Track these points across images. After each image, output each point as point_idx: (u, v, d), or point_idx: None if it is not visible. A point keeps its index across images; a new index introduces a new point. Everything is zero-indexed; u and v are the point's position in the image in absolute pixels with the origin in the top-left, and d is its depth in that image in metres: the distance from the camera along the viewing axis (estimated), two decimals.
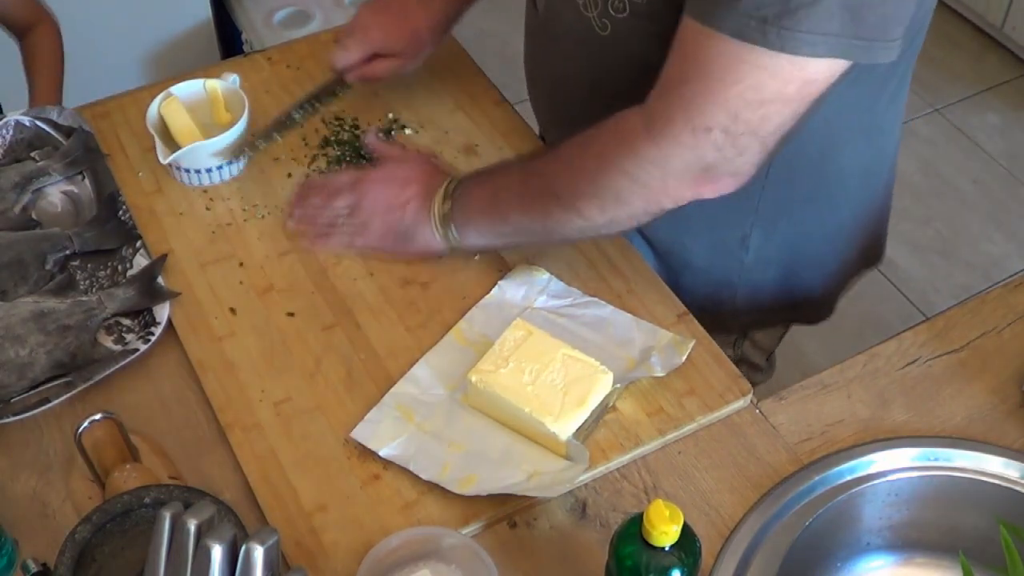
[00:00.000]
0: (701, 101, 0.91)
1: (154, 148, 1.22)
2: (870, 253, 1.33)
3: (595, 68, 1.13)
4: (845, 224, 1.23)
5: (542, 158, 1.07)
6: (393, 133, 1.31)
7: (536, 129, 1.35)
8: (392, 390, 1.04)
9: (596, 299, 1.12)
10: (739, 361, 1.34)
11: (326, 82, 1.31)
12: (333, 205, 1.14)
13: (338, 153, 1.28)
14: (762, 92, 0.89)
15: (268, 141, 1.26)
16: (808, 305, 1.30)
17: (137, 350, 1.07)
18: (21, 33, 1.74)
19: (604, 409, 1.02)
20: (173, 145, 1.23)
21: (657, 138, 0.95)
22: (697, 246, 1.20)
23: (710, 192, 0.97)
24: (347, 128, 1.31)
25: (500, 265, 1.16)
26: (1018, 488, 0.98)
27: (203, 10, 2.43)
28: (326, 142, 1.30)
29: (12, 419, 1.01)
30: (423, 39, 1.28)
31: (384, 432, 1.00)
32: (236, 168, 1.26)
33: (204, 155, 1.22)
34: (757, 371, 1.40)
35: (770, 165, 0.98)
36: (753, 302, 1.26)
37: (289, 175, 1.26)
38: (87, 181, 1.25)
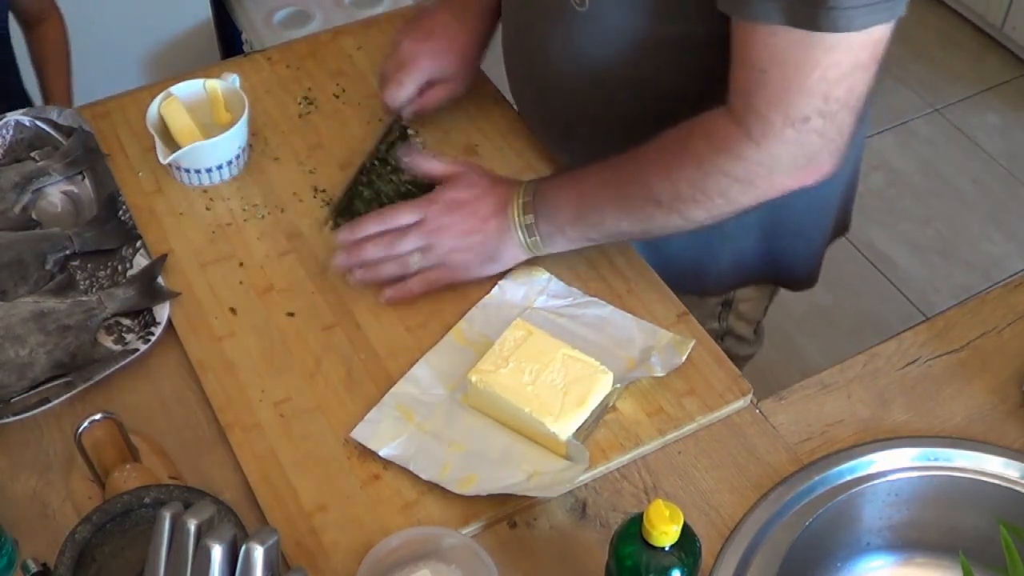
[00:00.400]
0: (790, 94, 0.93)
1: (154, 148, 1.22)
2: (841, 223, 1.38)
3: (573, 45, 1.14)
4: (822, 194, 1.25)
5: (630, 163, 1.05)
6: (410, 134, 1.30)
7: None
8: (392, 390, 1.04)
9: (596, 299, 1.12)
10: (726, 334, 1.37)
11: (386, 130, 1.27)
12: (399, 250, 1.09)
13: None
14: (841, 67, 0.92)
15: (350, 215, 1.19)
16: (790, 272, 1.33)
17: (137, 350, 1.07)
18: (31, 24, 1.74)
19: (604, 409, 1.02)
20: (173, 145, 1.23)
21: (760, 140, 0.96)
22: None
23: (814, 177, 1.00)
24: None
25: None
26: (1018, 488, 0.98)
27: (203, 10, 2.43)
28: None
29: (12, 419, 1.01)
30: (472, 58, 1.27)
31: (384, 432, 1.00)
32: (236, 168, 1.26)
33: (204, 155, 1.22)
34: (744, 343, 1.42)
35: None
36: (736, 266, 1.29)
37: (288, 179, 1.27)
38: (87, 181, 1.25)
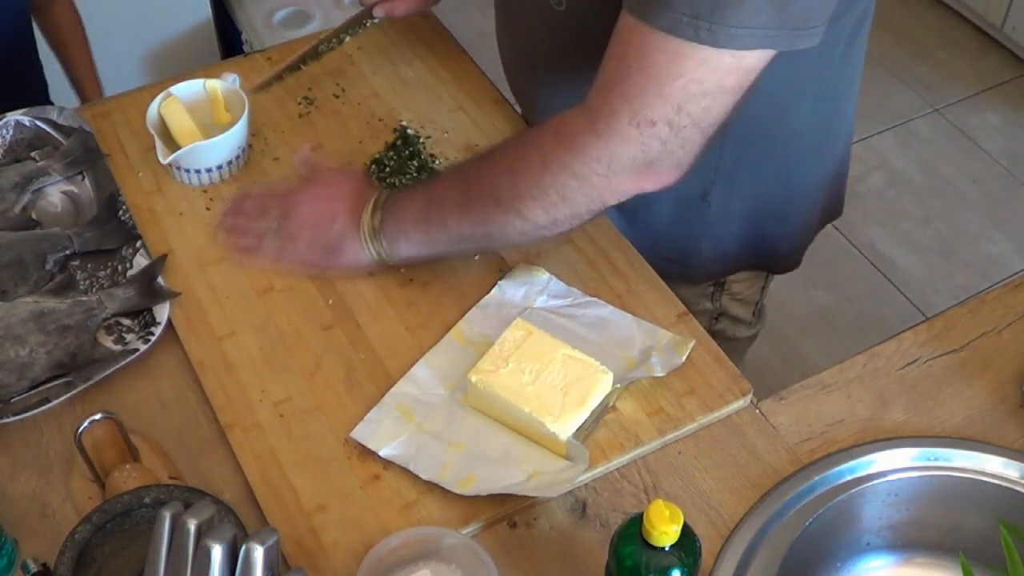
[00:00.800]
0: (645, 95, 0.92)
1: (154, 148, 1.22)
2: (831, 208, 1.37)
3: (553, 43, 1.16)
4: (806, 181, 1.27)
5: (477, 164, 1.07)
6: (409, 131, 1.30)
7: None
8: (392, 390, 1.04)
9: (596, 299, 1.12)
10: (720, 314, 1.37)
11: (354, 16, 1.36)
12: (262, 218, 1.15)
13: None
14: (704, 84, 0.90)
15: (294, 72, 1.32)
16: (774, 256, 1.33)
17: (137, 350, 1.07)
18: (40, 9, 1.73)
19: (604, 409, 1.02)
20: (173, 145, 1.23)
21: (603, 134, 0.95)
22: (661, 203, 1.20)
23: (652, 185, 0.98)
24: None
25: (500, 265, 1.16)
26: (1018, 488, 0.98)
27: (203, 10, 2.43)
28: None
29: (12, 419, 1.01)
30: None
31: (384, 432, 1.00)
32: (236, 168, 1.26)
33: (204, 155, 1.22)
34: (742, 324, 1.42)
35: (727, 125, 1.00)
36: (719, 253, 1.29)
37: (288, 179, 1.26)
38: (87, 181, 1.25)
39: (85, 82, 1.78)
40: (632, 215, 1.23)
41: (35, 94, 1.72)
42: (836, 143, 1.29)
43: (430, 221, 1.07)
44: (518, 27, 1.23)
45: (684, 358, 1.06)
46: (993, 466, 1.00)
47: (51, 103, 1.74)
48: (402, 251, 1.10)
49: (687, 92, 0.91)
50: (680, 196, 1.19)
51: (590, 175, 0.98)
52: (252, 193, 1.20)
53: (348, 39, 1.34)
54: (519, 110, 1.36)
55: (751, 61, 0.90)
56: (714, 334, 1.38)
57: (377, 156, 1.27)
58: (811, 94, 1.16)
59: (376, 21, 1.35)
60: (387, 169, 1.26)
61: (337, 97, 1.36)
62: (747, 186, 1.21)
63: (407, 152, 1.27)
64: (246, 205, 1.18)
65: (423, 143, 1.29)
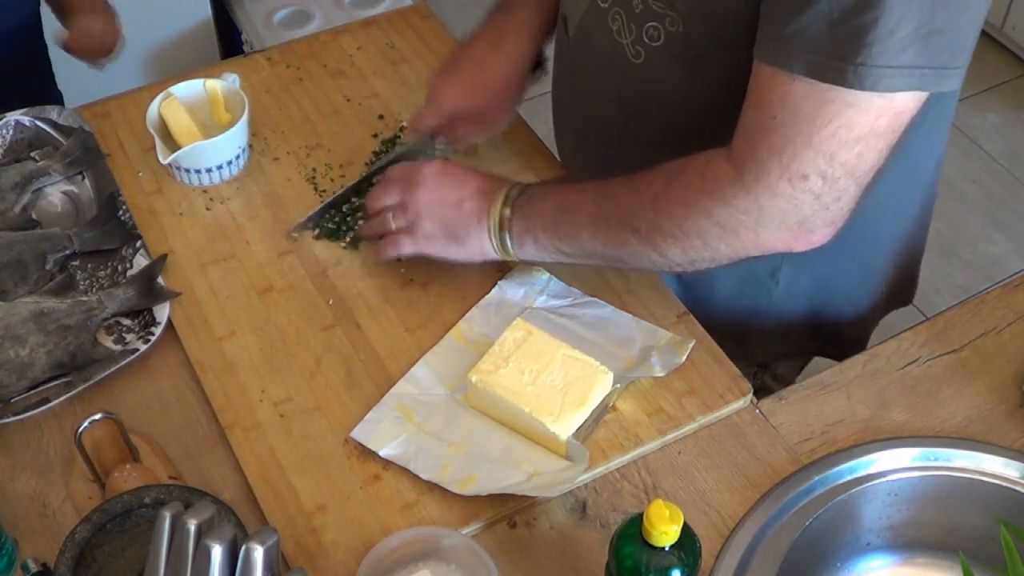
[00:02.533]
0: (794, 146, 0.89)
1: (154, 148, 1.22)
2: (902, 292, 1.31)
3: (628, 96, 1.11)
4: (877, 261, 1.21)
5: (620, 186, 1.01)
6: (400, 138, 1.30)
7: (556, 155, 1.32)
8: (392, 390, 1.04)
9: (596, 299, 1.12)
10: (758, 390, 1.33)
11: (409, 146, 1.24)
12: (379, 204, 1.10)
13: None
14: (855, 130, 0.87)
15: (326, 224, 1.20)
16: (837, 339, 1.27)
17: (137, 350, 1.06)
18: (68, 16, 1.69)
19: (604, 409, 1.02)
20: (173, 145, 1.23)
21: (751, 187, 0.92)
22: (726, 277, 1.16)
23: (803, 245, 0.95)
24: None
25: (500, 265, 1.16)
26: (1018, 488, 0.99)
27: (203, 10, 2.43)
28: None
29: (12, 419, 1.01)
30: (501, 90, 1.20)
31: (384, 432, 1.00)
32: (236, 168, 1.26)
33: (204, 155, 1.22)
34: (776, 399, 1.38)
35: None
36: (781, 333, 1.24)
37: (288, 179, 1.27)
38: (87, 181, 1.25)
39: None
40: (693, 285, 1.18)
41: (44, 95, 1.72)
42: (913, 221, 1.23)
43: (562, 229, 1.03)
44: (583, 81, 1.16)
45: (684, 358, 1.06)
46: (993, 466, 1.00)
47: (61, 104, 1.74)
48: (528, 251, 1.05)
49: (838, 140, 0.87)
50: (747, 271, 1.16)
51: (737, 227, 0.94)
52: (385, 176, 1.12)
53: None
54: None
55: (901, 102, 0.87)
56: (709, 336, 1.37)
57: (377, 150, 1.27)
58: (895, 167, 1.10)
59: (441, 148, 1.22)
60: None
61: (337, 98, 1.36)
62: (818, 263, 1.13)
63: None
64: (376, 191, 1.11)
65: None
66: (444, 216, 1.06)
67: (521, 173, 1.23)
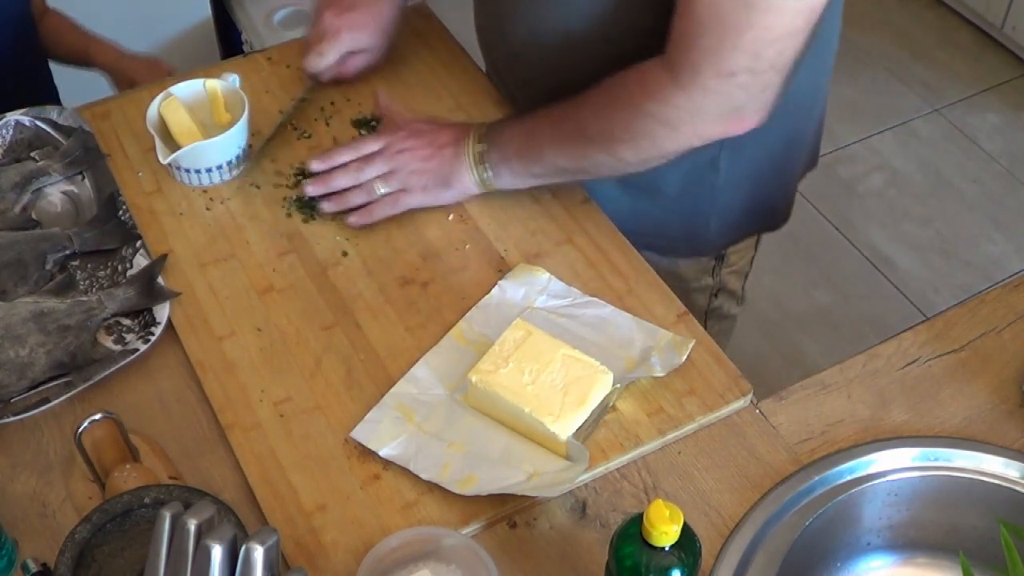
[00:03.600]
0: (722, 49, 0.99)
1: (154, 148, 1.22)
2: (812, 159, 1.41)
3: (539, 19, 1.18)
4: (799, 133, 1.32)
5: (572, 104, 1.11)
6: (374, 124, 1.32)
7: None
8: (392, 390, 1.04)
9: (596, 299, 1.12)
10: (719, 290, 1.38)
11: (305, 90, 1.33)
12: (365, 176, 1.18)
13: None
14: (775, 30, 0.98)
15: (258, 157, 1.27)
16: (773, 215, 1.37)
17: (137, 350, 1.07)
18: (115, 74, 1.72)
19: (604, 409, 1.02)
20: (173, 145, 1.23)
21: (687, 87, 1.02)
22: (669, 175, 1.23)
23: (738, 129, 1.05)
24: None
25: (500, 265, 1.16)
26: (1018, 488, 0.99)
27: (203, 10, 2.43)
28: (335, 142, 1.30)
29: (12, 419, 1.01)
30: (389, 30, 1.33)
31: (384, 432, 1.00)
32: (236, 168, 1.26)
33: (204, 155, 1.22)
34: (735, 301, 1.44)
35: None
36: (726, 221, 1.32)
37: (288, 179, 1.27)
38: (87, 181, 1.25)
39: (95, 47, 1.73)
40: (639, 194, 1.26)
41: (44, 95, 1.72)
42: (820, 99, 1.33)
43: (530, 153, 1.14)
44: (497, 4, 1.24)
45: (684, 358, 1.06)
46: (993, 466, 1.00)
47: (60, 104, 1.74)
48: (505, 180, 1.16)
49: (760, 40, 0.98)
50: (689, 166, 1.21)
51: (677, 123, 1.05)
52: (338, 149, 1.21)
53: (301, 111, 1.32)
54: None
55: (813, 2, 0.97)
56: (712, 311, 1.40)
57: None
58: (813, 45, 1.18)
59: (319, 87, 1.34)
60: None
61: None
62: (753, 148, 1.23)
63: None
64: (338, 167, 1.19)
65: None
66: (429, 167, 1.17)
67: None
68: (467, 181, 1.17)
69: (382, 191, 1.18)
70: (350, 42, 1.30)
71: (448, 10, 1.42)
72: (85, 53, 1.71)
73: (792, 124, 1.26)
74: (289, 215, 1.21)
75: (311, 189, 1.19)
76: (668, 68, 1.03)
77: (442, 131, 1.19)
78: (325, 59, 1.29)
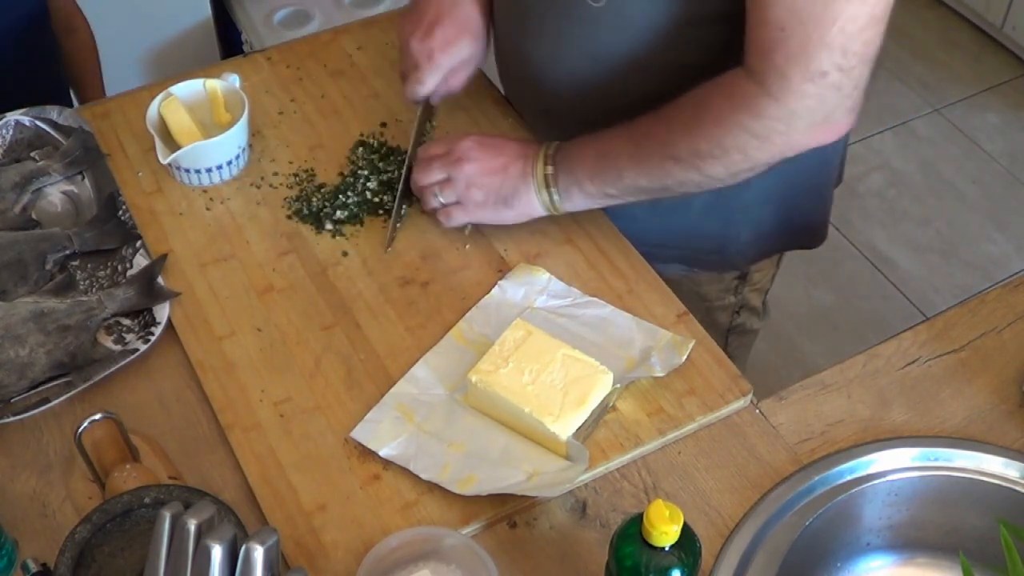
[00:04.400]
0: (809, 49, 0.96)
1: (154, 148, 1.22)
2: (839, 175, 1.39)
3: (593, 44, 1.13)
4: (828, 148, 1.27)
5: (650, 122, 1.08)
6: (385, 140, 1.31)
7: None
8: (392, 390, 1.04)
9: (596, 299, 1.12)
10: (741, 307, 1.37)
11: (419, 121, 1.26)
12: (424, 181, 1.15)
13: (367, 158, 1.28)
14: (859, 21, 0.95)
15: (401, 219, 1.20)
16: (808, 231, 1.35)
17: (137, 350, 1.07)
18: (59, 36, 1.73)
19: (604, 409, 1.02)
20: (173, 145, 1.23)
21: (779, 95, 0.99)
22: (698, 195, 1.20)
23: (832, 136, 1.03)
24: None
25: (500, 265, 1.16)
26: (1018, 488, 0.99)
27: (203, 10, 2.43)
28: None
29: (12, 419, 1.01)
30: (480, 33, 1.25)
31: (384, 432, 1.00)
32: (236, 168, 1.26)
33: (204, 155, 1.22)
34: (755, 316, 1.42)
35: None
36: (757, 235, 1.29)
37: (288, 179, 1.27)
38: (87, 181, 1.25)
39: (83, 92, 1.77)
40: (667, 210, 1.22)
41: (52, 92, 1.72)
42: None
43: (605, 175, 1.09)
44: (539, 35, 1.19)
45: (684, 358, 1.06)
46: (993, 466, 1.00)
47: (70, 101, 1.75)
48: (576, 202, 1.12)
49: (846, 33, 0.95)
50: None
51: (770, 134, 1.01)
52: (420, 154, 1.17)
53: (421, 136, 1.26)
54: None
55: None
56: (735, 328, 1.38)
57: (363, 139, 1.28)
58: None
59: (436, 110, 1.28)
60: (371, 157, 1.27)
61: (337, 98, 1.36)
62: (783, 162, 1.20)
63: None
64: (418, 168, 1.16)
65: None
66: (491, 183, 1.13)
67: None
68: (532, 203, 1.13)
69: (438, 202, 1.14)
70: (447, 61, 1.22)
71: None
72: (76, 86, 1.73)
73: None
74: (289, 217, 1.21)
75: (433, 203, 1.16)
76: (753, 78, 1.00)
77: (509, 145, 1.14)
78: (426, 87, 1.22)
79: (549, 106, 1.25)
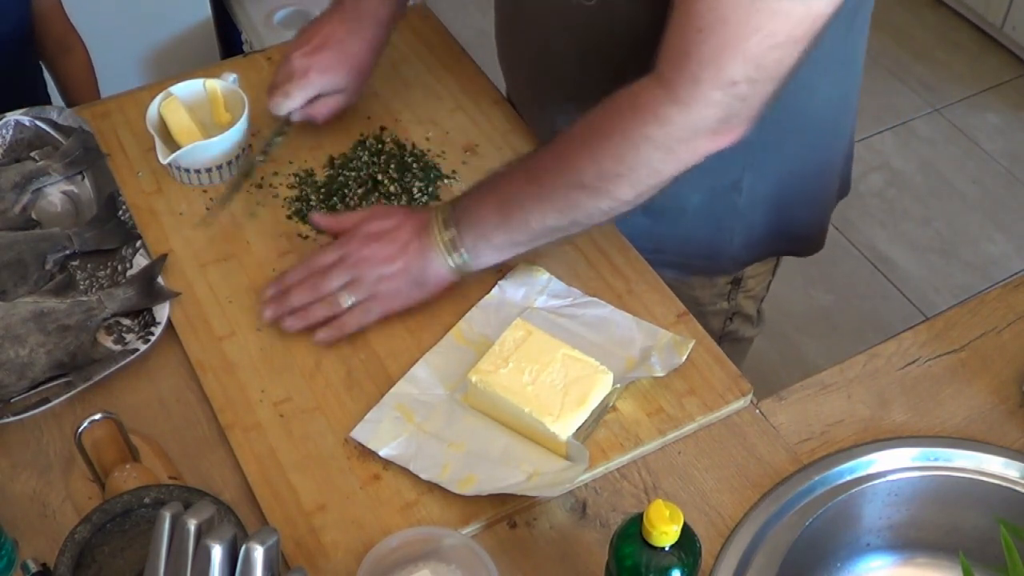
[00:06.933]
0: (723, 56, 0.94)
1: (154, 148, 1.22)
2: (843, 186, 1.38)
3: (582, 42, 1.13)
4: (827, 158, 1.28)
5: (547, 156, 1.04)
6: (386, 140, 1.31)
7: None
8: (392, 390, 1.04)
9: (596, 299, 1.12)
10: (734, 314, 1.38)
11: (274, 129, 1.26)
12: (325, 289, 1.08)
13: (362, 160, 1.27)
14: (777, 36, 0.93)
15: (227, 202, 1.21)
16: (802, 239, 1.34)
17: (137, 350, 1.06)
18: (54, 56, 1.72)
19: (604, 409, 1.02)
20: (173, 145, 1.23)
21: (687, 101, 0.96)
22: (691, 197, 1.21)
23: (727, 141, 1.00)
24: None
25: (500, 265, 1.16)
26: (1018, 488, 0.99)
27: (203, 10, 2.43)
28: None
29: (12, 419, 1.01)
30: (363, 70, 1.25)
31: (384, 432, 1.00)
32: (236, 168, 1.26)
33: (204, 155, 1.22)
34: (750, 323, 1.42)
35: None
36: (750, 241, 1.29)
37: (288, 179, 1.27)
38: (87, 181, 1.25)
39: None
40: (660, 216, 1.21)
41: (35, 94, 1.72)
42: (849, 118, 1.30)
43: (511, 222, 1.05)
44: (533, 32, 1.19)
45: (684, 358, 1.06)
46: (993, 466, 1.00)
47: (50, 103, 1.74)
48: (485, 258, 1.07)
49: (762, 47, 0.93)
50: (711, 188, 1.20)
51: (674, 145, 0.99)
52: (292, 269, 1.11)
53: (272, 152, 1.25)
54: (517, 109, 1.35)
55: (819, 8, 0.93)
56: (727, 335, 1.38)
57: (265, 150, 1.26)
58: (829, 71, 1.16)
59: (291, 127, 1.26)
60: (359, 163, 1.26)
61: (286, 136, 1.34)
62: (776, 169, 1.21)
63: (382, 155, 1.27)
64: (294, 282, 1.10)
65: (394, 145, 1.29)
66: (396, 270, 1.08)
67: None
68: (442, 273, 1.08)
69: (349, 302, 1.08)
70: (319, 84, 1.22)
71: (448, 10, 1.42)
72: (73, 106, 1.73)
73: (819, 142, 1.24)
74: (289, 217, 1.21)
75: (268, 313, 1.09)
76: (662, 84, 0.97)
77: (401, 227, 1.09)
78: (291, 101, 1.22)
79: (545, 100, 1.26)
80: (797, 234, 1.32)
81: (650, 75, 0.99)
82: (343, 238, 1.11)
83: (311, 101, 1.24)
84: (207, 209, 1.21)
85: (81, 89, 1.74)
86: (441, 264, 1.07)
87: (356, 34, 1.24)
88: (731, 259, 1.30)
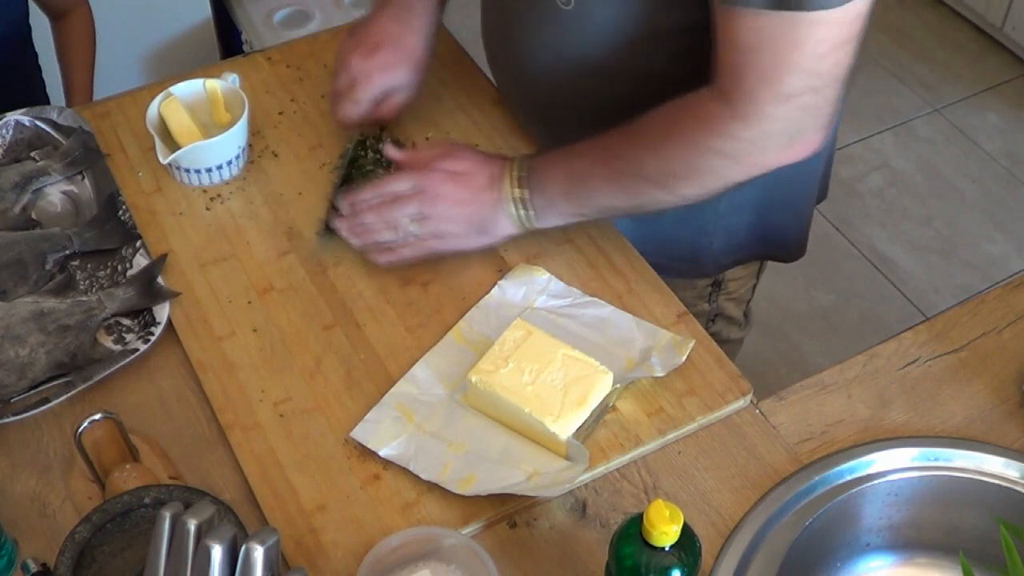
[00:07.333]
0: (778, 71, 0.95)
1: (154, 148, 1.22)
2: (822, 191, 1.39)
3: (558, 43, 1.14)
4: (808, 164, 1.27)
5: (620, 142, 1.07)
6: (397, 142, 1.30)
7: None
8: (392, 390, 1.04)
9: (596, 299, 1.12)
10: (716, 315, 1.38)
11: (352, 145, 1.26)
12: (395, 216, 1.11)
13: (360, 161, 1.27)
14: (827, 43, 0.94)
15: (331, 237, 1.18)
16: (783, 245, 1.35)
17: (137, 350, 1.07)
18: (57, 15, 1.73)
19: (604, 409, 1.02)
20: (173, 145, 1.23)
21: (749, 117, 0.98)
22: None
23: (804, 153, 1.02)
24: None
25: (500, 265, 1.16)
26: (1018, 488, 0.99)
27: (203, 10, 2.43)
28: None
29: (12, 419, 1.01)
30: (421, 62, 1.26)
31: (384, 432, 1.00)
32: (236, 168, 1.26)
33: (204, 155, 1.22)
34: (735, 325, 1.43)
35: None
36: (729, 246, 1.30)
37: (288, 179, 1.27)
38: (87, 181, 1.25)
39: (77, 92, 1.77)
40: (641, 218, 1.21)
41: (33, 95, 1.72)
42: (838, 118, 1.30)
43: (580, 194, 1.09)
44: (512, 29, 1.21)
45: (684, 358, 1.06)
46: (993, 466, 1.00)
47: (50, 103, 1.75)
48: (550, 221, 1.11)
49: (815, 55, 0.94)
50: None
51: (741, 155, 1.01)
52: (366, 191, 1.14)
53: (358, 173, 1.23)
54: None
55: (858, 7, 0.93)
56: (711, 336, 1.38)
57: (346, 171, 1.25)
58: None
59: (368, 139, 1.27)
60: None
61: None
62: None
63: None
64: (365, 203, 1.13)
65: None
66: (464, 214, 1.11)
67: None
68: (506, 226, 1.12)
69: (413, 232, 1.12)
70: (383, 84, 1.23)
71: (448, 10, 1.42)
72: (65, 71, 1.73)
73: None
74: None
75: (339, 224, 1.14)
76: (724, 100, 0.99)
77: (478, 173, 1.11)
78: (360, 107, 1.23)
79: (527, 99, 1.27)
80: (777, 239, 1.33)
81: (711, 87, 1.00)
82: (423, 170, 1.13)
83: (377, 103, 1.24)
84: (326, 228, 1.19)
85: (76, 55, 1.74)
86: (508, 217, 1.11)
87: (409, 27, 1.24)
88: (711, 262, 1.31)
